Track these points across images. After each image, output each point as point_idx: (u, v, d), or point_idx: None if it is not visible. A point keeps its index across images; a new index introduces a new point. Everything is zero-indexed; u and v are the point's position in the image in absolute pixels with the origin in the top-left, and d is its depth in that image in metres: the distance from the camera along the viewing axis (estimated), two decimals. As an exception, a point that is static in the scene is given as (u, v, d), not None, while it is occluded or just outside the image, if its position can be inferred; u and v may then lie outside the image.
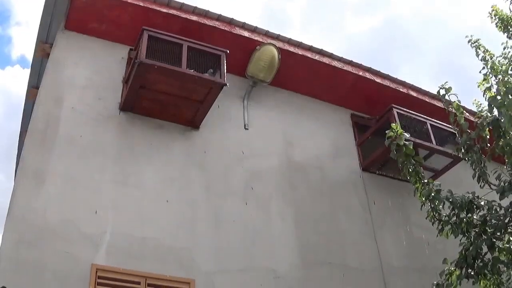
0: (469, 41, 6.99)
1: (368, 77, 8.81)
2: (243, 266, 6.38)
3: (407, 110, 8.38)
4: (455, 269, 5.63)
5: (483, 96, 6.30)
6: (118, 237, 5.91)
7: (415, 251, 7.88)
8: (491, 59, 6.66)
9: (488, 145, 6.53)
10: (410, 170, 5.64)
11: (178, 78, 6.60)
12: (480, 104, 6.47)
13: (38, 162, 6.04)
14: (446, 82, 6.20)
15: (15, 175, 6.68)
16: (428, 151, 8.17)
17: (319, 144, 8.33)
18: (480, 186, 6.22)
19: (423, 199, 5.55)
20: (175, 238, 6.18)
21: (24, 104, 8.33)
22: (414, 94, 9.19)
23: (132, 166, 6.54)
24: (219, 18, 7.77)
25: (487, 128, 6.20)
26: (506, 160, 6.24)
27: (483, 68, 6.47)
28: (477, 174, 6.33)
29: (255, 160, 7.47)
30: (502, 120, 5.97)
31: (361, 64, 8.83)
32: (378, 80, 8.88)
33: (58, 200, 5.88)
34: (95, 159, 6.35)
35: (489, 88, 6.23)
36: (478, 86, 6.40)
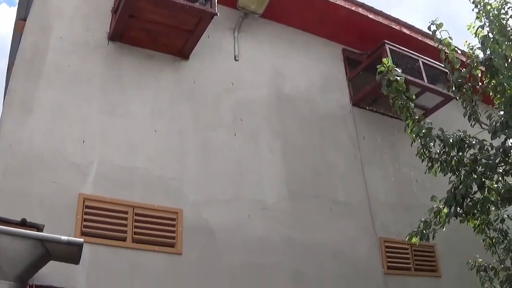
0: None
1: (361, 12, 8.52)
2: (230, 197, 6.33)
3: (400, 47, 8.18)
4: (443, 207, 5.61)
5: (475, 36, 6.13)
6: (106, 166, 5.80)
7: (403, 188, 7.88)
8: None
9: (480, 84, 6.41)
10: (401, 105, 5.50)
11: (168, 7, 6.30)
12: (470, 44, 6.28)
13: (26, 92, 5.83)
14: (437, 18, 6.01)
15: (2, 106, 6.49)
16: (419, 89, 8.04)
17: (309, 78, 8.15)
18: (471, 125, 6.14)
19: (414, 136, 5.44)
20: (163, 168, 6.08)
21: (12, 37, 7.99)
22: (407, 31, 8.95)
23: (120, 96, 6.34)
24: None
25: (479, 67, 6.06)
26: (497, 101, 6.15)
27: (476, 6, 6.24)
28: (468, 113, 6.23)
29: (245, 92, 7.30)
30: (494, 59, 5.83)
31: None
32: (371, 16, 8.61)
33: (45, 130, 5.72)
34: (83, 88, 6.14)
35: (481, 27, 6.04)
36: (468, 29, 6.20)
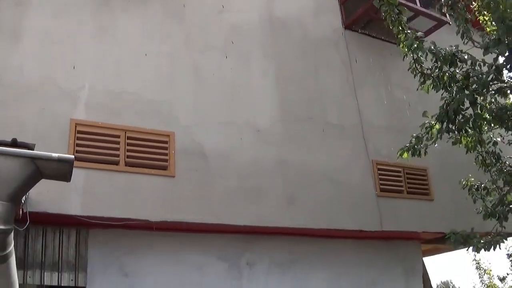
0: None
1: None
2: (223, 120, 6.26)
3: (392, -32, 7.91)
4: (435, 123, 5.58)
5: None
6: (97, 91, 5.69)
7: (395, 111, 7.82)
8: None
9: (473, 3, 6.28)
10: (393, 19, 5.36)
11: None
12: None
13: (14, 19, 5.63)
14: None
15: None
16: (412, 13, 7.85)
17: (301, 1, 7.91)
18: (464, 42, 6.04)
19: (406, 49, 5.33)
20: (154, 92, 5.98)
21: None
22: (400, -49, 8.63)
23: (109, 20, 6.15)
24: None
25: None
26: (489, 19, 6.02)
27: None
28: (461, 31, 6.13)
29: (235, 15, 7.08)
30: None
31: None
32: None
33: (35, 57, 5.58)
34: (72, 14, 5.94)
35: None
36: None
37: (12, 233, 3.34)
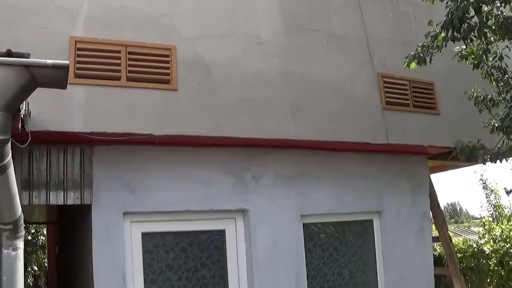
0: None
1: None
2: (224, 32, 6.04)
3: None
4: (441, 31, 5.42)
5: None
6: (96, 7, 5.48)
7: (401, 25, 7.53)
8: None
9: None
10: None
11: None
12: None
13: None
14: None
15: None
16: None
17: None
18: None
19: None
20: (153, 6, 5.74)
21: None
22: None
23: None
24: None
25: None
26: None
27: None
28: None
29: None
30: None
31: None
32: None
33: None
34: None
35: None
36: None
37: (10, 144, 3.31)
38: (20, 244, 4.29)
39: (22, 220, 4.27)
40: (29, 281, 15.05)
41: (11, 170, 3.58)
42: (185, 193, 5.94)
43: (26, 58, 3.65)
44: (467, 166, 8.85)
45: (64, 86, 3.50)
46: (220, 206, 6.10)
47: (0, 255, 4.16)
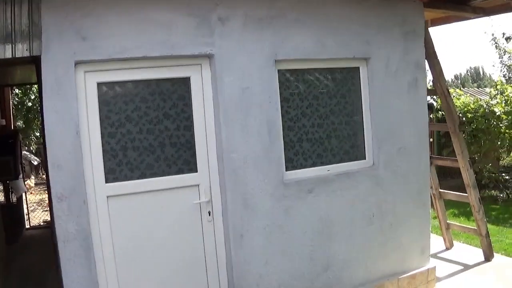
0: None
1: None
2: None
3: None
4: None
5: None
6: None
7: None
8: None
9: None
10: None
11: None
12: None
13: None
14: None
15: None
16: None
17: None
18: None
19: None
20: None
21: None
22: None
23: None
24: None
25: None
26: None
27: None
28: None
29: None
30: None
31: None
32: None
33: None
34: None
35: None
36: None
37: None
38: None
39: None
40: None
41: None
42: (143, 38, 5.20)
43: None
44: (472, 18, 7.77)
45: None
46: (182, 51, 5.37)
47: None
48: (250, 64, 5.63)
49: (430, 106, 13.48)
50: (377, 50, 6.34)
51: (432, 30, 8.18)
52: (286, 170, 5.95)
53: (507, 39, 8.51)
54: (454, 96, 13.74)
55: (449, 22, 8.29)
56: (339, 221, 6.19)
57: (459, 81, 60.36)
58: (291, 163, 6.04)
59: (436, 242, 8.55)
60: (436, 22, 8.12)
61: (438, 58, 7.23)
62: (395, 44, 6.46)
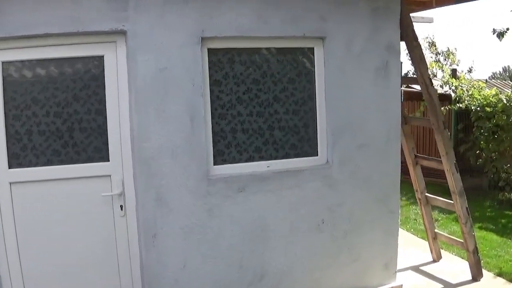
0: None
1: None
2: None
3: None
4: None
5: None
6: None
7: None
8: None
9: None
10: None
11: None
12: None
13: None
14: None
15: None
16: None
17: None
18: None
19: None
20: None
21: None
22: None
23: None
24: None
25: None
26: None
27: None
28: None
29: None
30: None
31: None
32: None
33: None
34: None
35: None
36: None
37: None
38: None
39: None
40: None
41: None
42: (49, 13, 4.63)
43: None
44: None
45: None
46: (91, 27, 4.74)
47: None
48: (170, 42, 4.90)
49: (447, 97, 11.83)
50: (336, 28, 5.32)
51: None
52: (214, 165, 5.19)
53: (499, 34, 7.34)
54: (475, 88, 12.00)
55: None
56: (277, 225, 5.32)
57: (507, 74, 53.97)
58: (221, 157, 5.25)
59: (425, 252, 7.45)
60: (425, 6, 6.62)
61: (419, 40, 5.95)
62: (360, 21, 5.40)
